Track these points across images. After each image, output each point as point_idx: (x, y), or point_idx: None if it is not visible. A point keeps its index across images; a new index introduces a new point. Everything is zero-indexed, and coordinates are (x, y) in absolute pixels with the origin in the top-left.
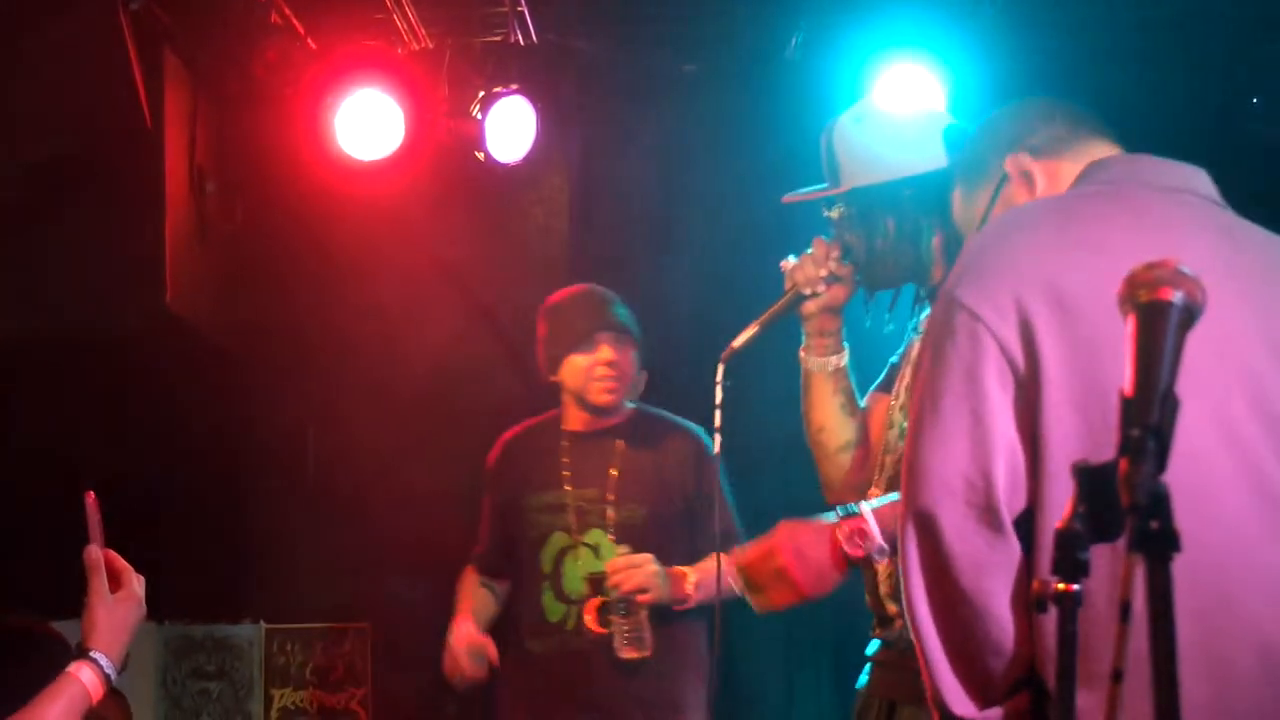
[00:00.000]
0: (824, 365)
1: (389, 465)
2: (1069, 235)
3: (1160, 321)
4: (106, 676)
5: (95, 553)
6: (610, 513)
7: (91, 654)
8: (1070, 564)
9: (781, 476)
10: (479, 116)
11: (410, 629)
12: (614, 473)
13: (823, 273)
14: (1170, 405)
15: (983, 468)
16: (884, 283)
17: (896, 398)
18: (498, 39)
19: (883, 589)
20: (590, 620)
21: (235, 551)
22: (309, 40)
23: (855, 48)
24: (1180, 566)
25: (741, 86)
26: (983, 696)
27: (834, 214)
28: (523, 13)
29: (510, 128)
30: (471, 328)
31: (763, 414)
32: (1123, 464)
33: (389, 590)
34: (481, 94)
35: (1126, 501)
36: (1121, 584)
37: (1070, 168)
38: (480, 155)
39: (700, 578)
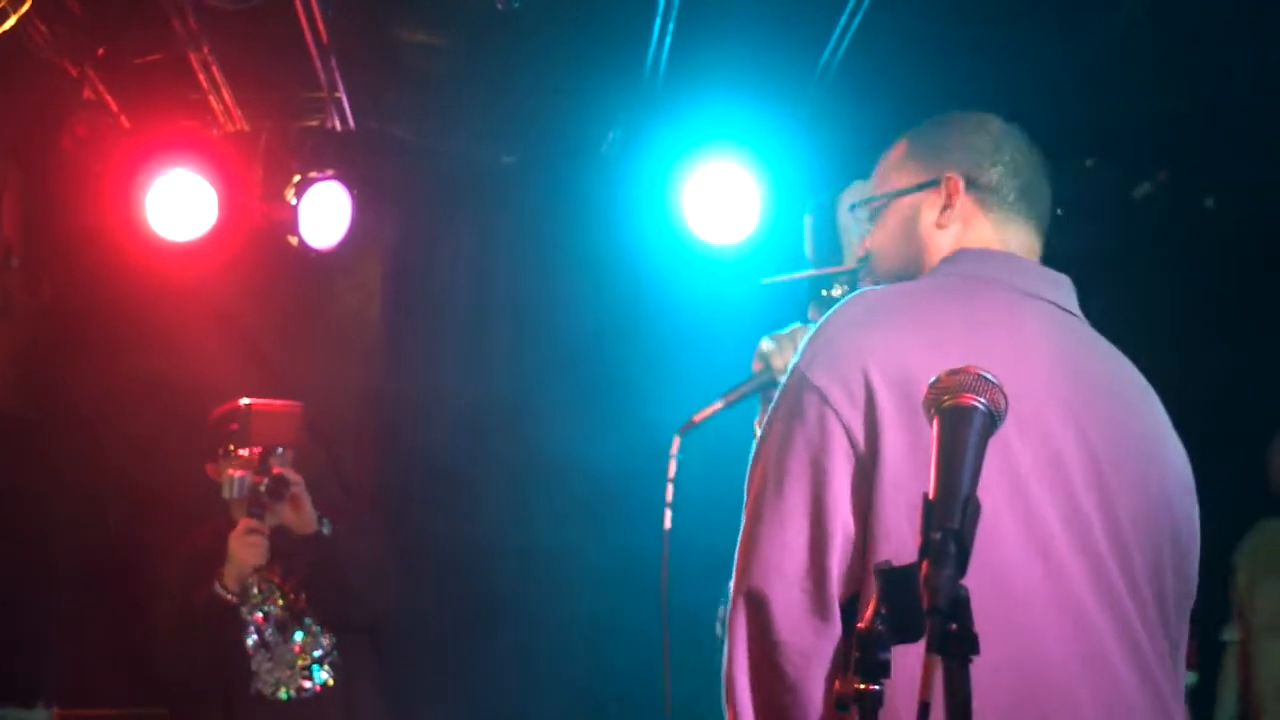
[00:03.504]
0: None
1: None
2: (922, 329)
3: (963, 427)
4: None
5: None
6: None
7: None
8: (871, 664)
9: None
10: (293, 201)
11: (208, 716)
12: None
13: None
14: (972, 509)
15: (819, 555)
16: None
17: None
18: (315, 124)
19: None
20: None
21: (28, 632)
22: (122, 117)
23: (670, 145)
24: (983, 669)
25: (558, 180)
26: None
27: (837, 293)
28: (340, 98)
29: (325, 213)
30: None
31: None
32: (924, 566)
33: None
34: (297, 178)
35: (927, 604)
36: (921, 685)
37: (985, 228)
38: (294, 240)
39: None
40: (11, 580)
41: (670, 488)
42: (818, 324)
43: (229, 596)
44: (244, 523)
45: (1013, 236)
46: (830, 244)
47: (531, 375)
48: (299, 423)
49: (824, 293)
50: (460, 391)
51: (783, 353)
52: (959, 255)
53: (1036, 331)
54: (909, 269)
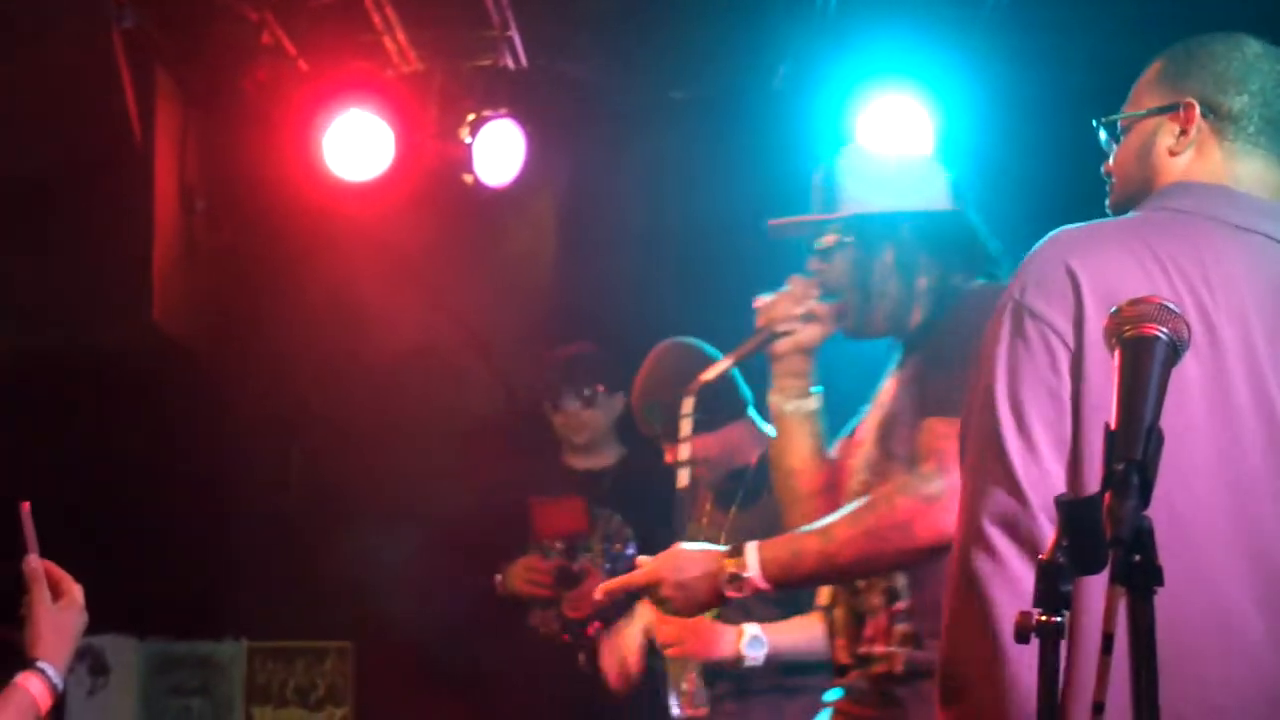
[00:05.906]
0: (797, 408)
1: (373, 484)
2: (1129, 256)
3: (1145, 357)
4: (54, 686)
5: (35, 562)
6: None
7: (38, 664)
8: (1052, 595)
9: None
10: (468, 139)
11: (392, 648)
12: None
13: (798, 311)
14: (1155, 440)
15: (1075, 480)
16: (867, 323)
17: (862, 446)
18: (487, 63)
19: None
20: None
21: (219, 569)
22: (300, 61)
23: (841, 78)
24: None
25: (728, 114)
26: None
27: (828, 240)
28: (512, 37)
29: (499, 151)
30: (459, 353)
31: None
32: (1107, 497)
33: (371, 609)
34: (471, 117)
35: (1110, 535)
36: (1104, 616)
37: (1215, 159)
38: (469, 178)
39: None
40: (202, 517)
41: (684, 447)
42: (1030, 254)
43: (501, 593)
44: (531, 561)
45: (1244, 170)
46: (831, 193)
47: (704, 311)
48: (581, 512)
49: (817, 241)
50: (633, 329)
51: (777, 304)
52: (1172, 189)
53: (1245, 267)
54: (1140, 194)
